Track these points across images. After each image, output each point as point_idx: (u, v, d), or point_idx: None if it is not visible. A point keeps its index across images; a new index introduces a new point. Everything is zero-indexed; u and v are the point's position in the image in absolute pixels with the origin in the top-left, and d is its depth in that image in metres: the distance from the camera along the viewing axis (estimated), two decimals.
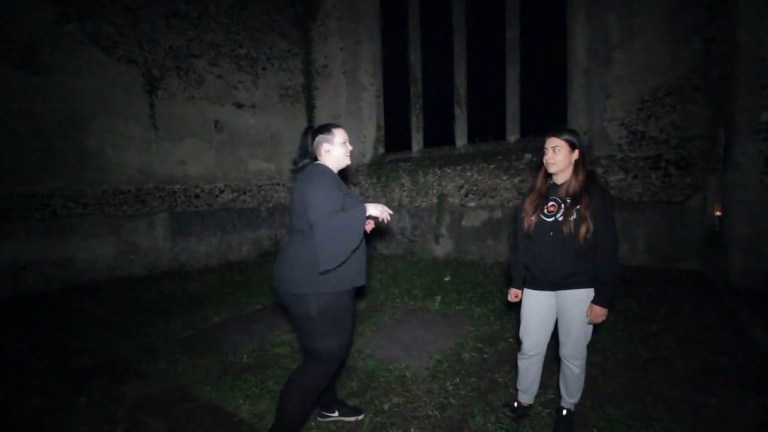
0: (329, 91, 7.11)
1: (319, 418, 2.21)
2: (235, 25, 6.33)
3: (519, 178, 5.47)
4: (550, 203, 1.95)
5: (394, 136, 7.07)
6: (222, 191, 6.23)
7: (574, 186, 1.89)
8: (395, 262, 5.83)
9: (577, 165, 1.90)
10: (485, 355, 2.97)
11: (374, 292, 4.50)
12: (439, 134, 6.58)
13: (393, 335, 3.39)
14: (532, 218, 1.98)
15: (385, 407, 2.33)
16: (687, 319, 3.34)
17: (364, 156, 7.00)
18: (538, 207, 1.98)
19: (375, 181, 6.69)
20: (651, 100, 4.53)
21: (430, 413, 2.28)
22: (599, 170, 4.90)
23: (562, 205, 1.90)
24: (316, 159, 1.96)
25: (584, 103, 5.06)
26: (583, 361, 1.99)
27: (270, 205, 6.85)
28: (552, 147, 1.92)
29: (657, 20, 4.37)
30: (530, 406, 2.23)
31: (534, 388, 2.19)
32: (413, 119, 6.64)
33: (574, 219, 1.85)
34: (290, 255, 1.84)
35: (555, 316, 2.04)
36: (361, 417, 2.23)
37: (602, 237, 1.84)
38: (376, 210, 1.83)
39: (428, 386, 2.57)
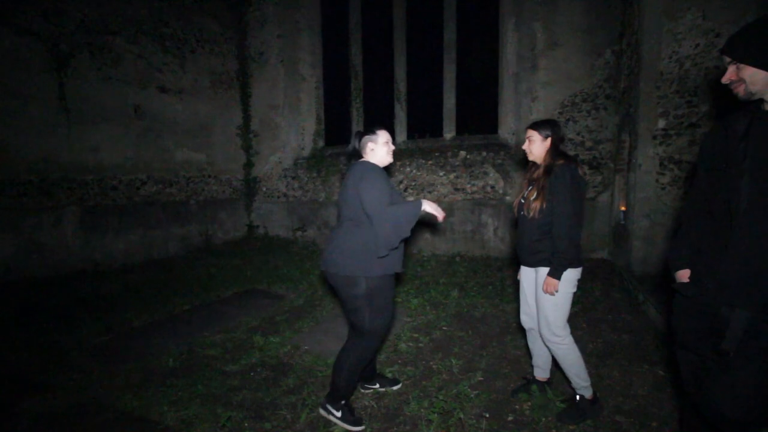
0: (266, 79, 6.82)
1: (362, 390, 2.45)
2: (160, 1, 5.80)
3: (454, 174, 5.70)
4: (529, 187, 2.12)
5: (335, 130, 6.99)
6: (144, 183, 5.71)
7: (539, 169, 2.07)
8: None
9: (548, 152, 2.05)
10: (420, 345, 3.07)
11: (312, 287, 4.44)
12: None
13: (332, 330, 3.38)
14: (515, 201, 2.20)
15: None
16: (596, 302, 3.74)
17: (303, 149, 6.84)
18: (521, 192, 2.19)
19: (315, 174, 6.57)
20: (570, 105, 4.96)
21: (367, 403, 2.31)
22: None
23: (532, 188, 2.08)
24: (361, 157, 2.18)
25: (513, 104, 5.40)
26: (562, 341, 2.03)
27: (200, 198, 6.42)
28: (527, 137, 2.12)
29: (576, 32, 4.79)
30: (548, 381, 2.35)
31: (542, 361, 2.32)
32: (354, 113, 6.61)
33: (532, 198, 2.02)
34: (341, 241, 2.04)
35: None
36: (398, 387, 2.48)
37: (555, 214, 1.95)
38: (431, 207, 2.02)
39: None
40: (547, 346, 2.13)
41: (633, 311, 3.47)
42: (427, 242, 5.87)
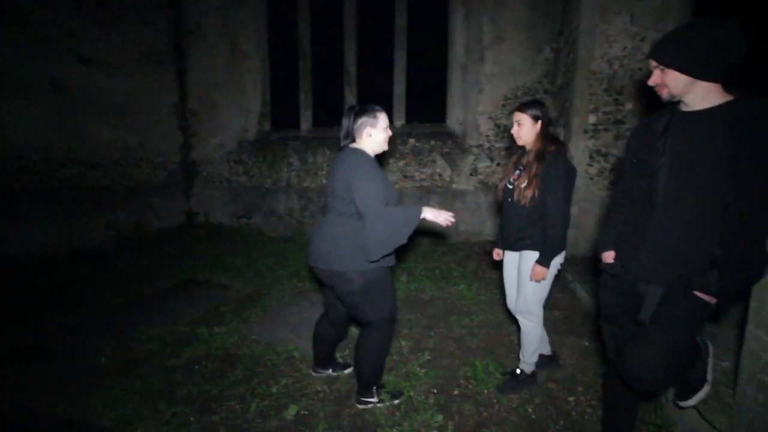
0: (205, 55, 6.36)
1: (314, 374, 2.44)
2: None
3: (404, 161, 5.78)
4: (516, 172, 2.09)
5: (282, 113, 6.73)
6: (63, 165, 5.10)
7: (529, 155, 2.02)
8: (283, 245, 5.65)
9: (538, 136, 2.01)
10: None
11: (260, 276, 4.30)
12: (329, 114, 6.50)
13: (281, 318, 3.32)
14: (500, 185, 2.19)
15: (273, 390, 2.29)
16: None
17: (247, 131, 6.51)
18: (507, 176, 2.16)
19: (261, 159, 6.31)
20: (512, 98, 5.21)
21: (319, 389, 2.32)
22: (471, 158, 5.49)
23: (523, 173, 2.03)
24: (354, 140, 1.96)
25: (461, 95, 5.56)
26: (533, 319, 2.12)
27: (131, 183, 5.90)
28: (516, 121, 2.03)
29: (520, 28, 5.01)
30: (554, 354, 2.50)
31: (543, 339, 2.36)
32: (302, 96, 6.40)
33: (524, 186, 1.98)
34: (330, 234, 1.90)
35: None
36: (349, 370, 2.46)
37: (547, 204, 1.95)
38: (432, 214, 1.88)
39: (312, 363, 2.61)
40: (517, 319, 2.20)
41: (563, 290, 3.80)
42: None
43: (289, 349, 2.78)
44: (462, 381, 2.36)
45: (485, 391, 2.24)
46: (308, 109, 6.44)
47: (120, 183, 5.75)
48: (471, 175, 5.52)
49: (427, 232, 5.73)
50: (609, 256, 1.54)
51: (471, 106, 5.42)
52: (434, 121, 6.01)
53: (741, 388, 1.33)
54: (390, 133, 1.99)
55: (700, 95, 1.32)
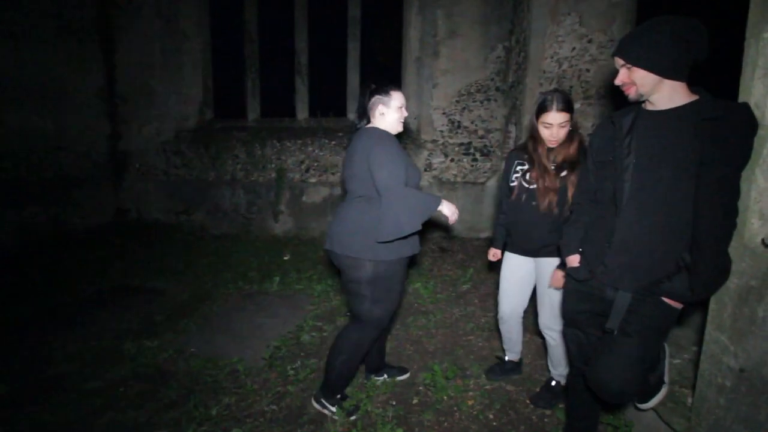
0: (138, 34, 5.71)
1: (366, 382, 2.28)
2: None
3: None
4: (542, 171, 1.85)
5: (227, 102, 6.25)
6: None
7: (570, 153, 1.79)
8: (228, 243, 5.26)
9: (572, 130, 1.79)
10: (324, 333, 2.94)
11: (201, 279, 3.93)
12: (278, 104, 6.14)
13: (224, 326, 3.03)
14: (515, 184, 1.94)
15: (213, 412, 2.04)
16: (485, 279, 4.06)
17: (187, 120, 5.96)
18: (524, 173, 1.91)
19: (202, 150, 5.81)
20: (466, 94, 5.21)
21: (266, 408, 2.11)
22: (425, 153, 5.43)
23: (545, 173, 1.81)
24: (369, 121, 1.88)
25: (416, 89, 5.46)
26: (557, 331, 1.93)
27: (48, 175, 5.17)
28: (559, 125, 1.74)
29: (473, 25, 5.00)
30: (521, 361, 2.38)
31: (518, 347, 2.31)
32: (249, 84, 5.97)
33: (562, 187, 1.79)
34: (349, 219, 1.81)
35: (533, 282, 2.06)
36: (406, 375, 2.34)
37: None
38: (448, 208, 1.80)
39: (265, 377, 2.39)
40: (544, 335, 2.03)
41: None
42: (326, 226, 5.70)
43: (232, 361, 2.53)
44: (421, 388, 2.25)
45: (445, 398, 2.15)
46: (256, 98, 6.03)
47: (34, 175, 5.01)
48: (426, 170, 5.46)
49: None
50: (574, 260, 1.49)
51: (425, 101, 5.35)
52: None
53: (701, 391, 1.33)
54: (406, 113, 1.91)
55: (667, 94, 1.28)
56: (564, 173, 1.82)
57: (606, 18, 3.53)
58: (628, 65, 1.29)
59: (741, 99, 1.23)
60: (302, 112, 6.04)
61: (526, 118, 4.02)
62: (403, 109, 1.88)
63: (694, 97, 1.27)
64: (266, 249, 5.08)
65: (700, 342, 1.37)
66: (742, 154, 1.17)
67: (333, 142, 5.63)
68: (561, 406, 2.02)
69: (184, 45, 5.82)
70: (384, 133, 1.81)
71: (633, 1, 3.44)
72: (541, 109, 1.78)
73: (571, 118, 1.78)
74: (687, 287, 1.20)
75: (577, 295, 1.45)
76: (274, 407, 2.12)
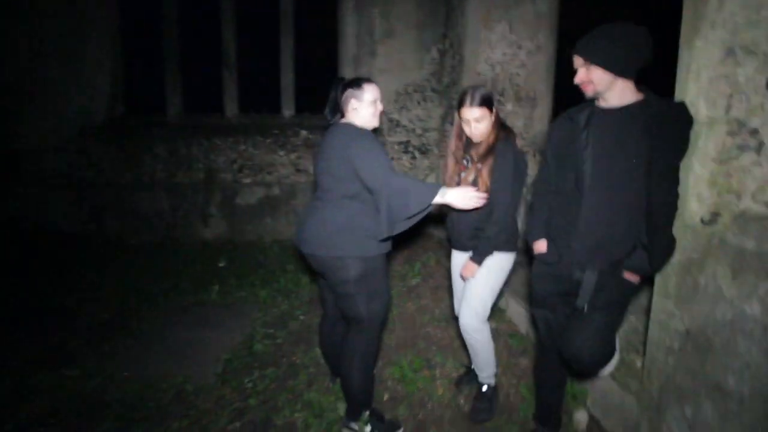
0: (27, 13, 4.84)
1: (332, 384, 2.20)
2: None
3: (296, 154, 5.40)
4: (463, 162, 1.88)
5: (143, 96, 5.60)
6: None
7: (483, 147, 1.79)
8: (151, 253, 4.73)
9: (493, 126, 1.80)
10: (278, 340, 2.79)
11: (121, 295, 3.45)
12: (203, 100, 5.66)
13: (160, 344, 2.70)
14: (447, 179, 1.92)
15: None
16: (433, 271, 4.19)
17: (93, 115, 5.20)
18: (451, 170, 1.94)
19: (114, 149, 5.13)
20: (404, 93, 5.33)
21: (227, 427, 1.93)
22: None
23: (470, 166, 1.83)
24: (343, 116, 1.81)
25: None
26: (483, 330, 1.87)
27: None
28: (475, 119, 1.74)
29: (410, 26, 5.12)
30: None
31: None
32: (169, 77, 5.41)
33: (471, 180, 1.79)
34: (328, 218, 1.72)
35: None
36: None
37: (496, 201, 1.75)
38: (458, 200, 1.65)
39: (219, 394, 2.18)
40: (465, 334, 1.92)
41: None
42: (267, 228, 5.42)
43: (176, 382, 2.27)
44: (390, 383, 2.24)
45: (415, 390, 2.16)
46: (177, 92, 5.49)
47: None
48: None
49: None
50: (542, 245, 1.59)
51: None
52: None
53: (651, 354, 1.51)
54: (381, 107, 1.84)
55: (618, 93, 1.43)
56: (479, 166, 1.80)
57: (533, 27, 3.86)
58: (587, 65, 1.42)
59: (677, 98, 1.43)
60: (232, 108, 5.65)
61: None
62: (378, 102, 1.83)
63: (640, 96, 1.43)
64: (197, 256, 4.67)
65: (647, 311, 1.56)
66: (682, 146, 1.36)
67: (268, 140, 5.36)
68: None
69: (88, 28, 5.08)
70: (361, 130, 1.75)
71: (555, 14, 3.82)
72: (459, 103, 1.83)
73: (492, 114, 1.78)
74: (645, 262, 1.35)
75: (547, 278, 1.56)
76: (237, 424, 1.94)
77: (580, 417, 1.84)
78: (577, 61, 1.46)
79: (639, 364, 1.69)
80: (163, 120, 5.45)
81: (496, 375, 2.02)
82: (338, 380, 2.17)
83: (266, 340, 2.78)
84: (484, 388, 2.00)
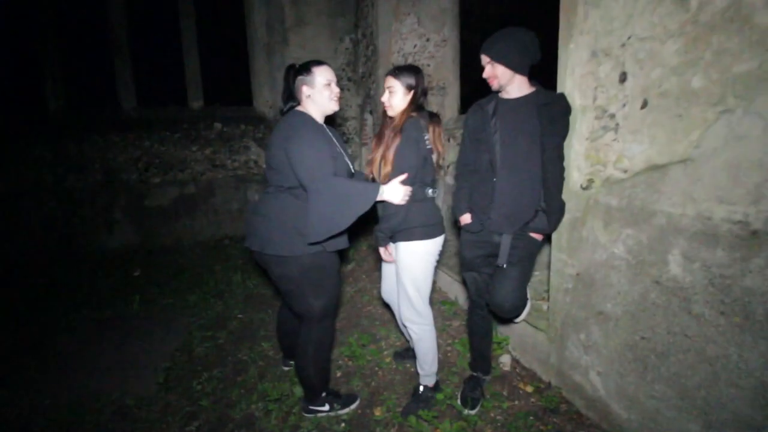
0: None
1: (284, 368, 2.27)
2: None
3: (211, 149, 5.12)
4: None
5: (13, 88, 4.76)
6: None
7: (390, 128, 1.74)
8: (50, 266, 4.17)
9: (407, 107, 1.74)
10: (220, 341, 2.75)
11: (19, 318, 3.03)
12: (93, 90, 5.02)
13: (83, 364, 2.48)
14: (371, 162, 1.80)
15: None
16: (366, 255, 4.38)
17: None
18: (375, 153, 1.79)
19: None
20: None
21: (182, 430, 1.90)
22: None
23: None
24: (297, 102, 1.73)
25: (268, 77, 5.29)
26: (423, 322, 1.81)
27: None
28: (387, 88, 1.74)
29: (321, 15, 5.12)
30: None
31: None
32: (47, 66, 4.67)
33: (379, 161, 1.72)
34: (269, 213, 1.68)
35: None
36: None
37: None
38: (396, 195, 1.63)
39: (165, 402, 2.12)
40: (405, 327, 1.89)
41: None
42: (185, 229, 5.08)
43: (113, 398, 2.14)
44: (341, 362, 2.38)
45: (364, 363, 2.34)
46: (57, 83, 4.79)
47: None
48: None
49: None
50: (467, 218, 1.86)
51: (280, 89, 5.23)
52: (239, 103, 5.53)
53: (552, 295, 1.89)
54: (337, 90, 1.75)
55: (517, 86, 1.73)
56: (383, 148, 1.74)
57: (439, 21, 4.17)
58: (492, 63, 1.68)
59: (558, 89, 1.77)
60: (129, 100, 5.11)
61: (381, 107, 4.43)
62: (333, 85, 1.72)
63: (533, 89, 1.75)
64: (104, 268, 4.23)
65: (548, 266, 1.93)
66: (565, 128, 1.70)
67: (177, 135, 4.99)
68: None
69: None
70: (305, 118, 1.65)
71: (457, 9, 4.16)
72: None
73: (409, 91, 1.75)
74: (546, 223, 1.69)
75: (473, 244, 1.83)
76: (191, 427, 1.93)
77: (504, 359, 2.20)
78: (484, 59, 1.72)
79: (545, 307, 2.08)
80: (44, 117, 4.72)
81: (437, 376, 1.96)
82: (291, 363, 2.24)
83: (206, 342, 2.72)
84: (421, 389, 1.93)
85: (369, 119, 5.13)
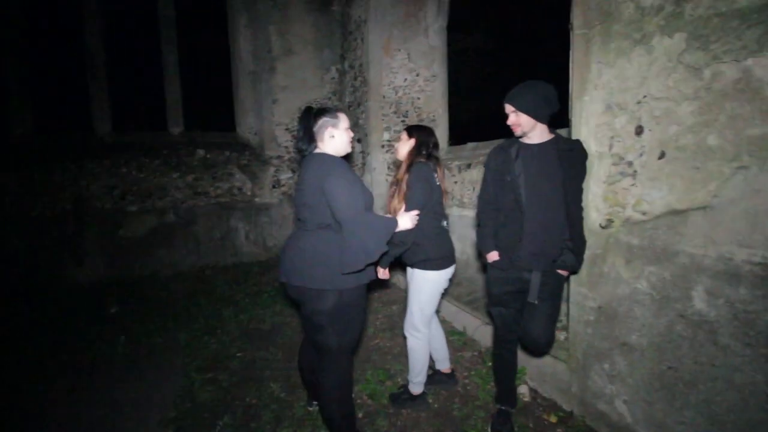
0: None
1: (309, 408, 2.25)
2: None
3: (193, 176, 4.95)
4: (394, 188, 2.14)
5: None
6: None
7: (400, 171, 2.11)
8: (10, 302, 3.79)
9: (410, 151, 2.12)
10: (223, 384, 2.60)
11: None
12: (65, 116, 4.74)
13: (72, 419, 2.25)
14: (388, 200, 2.17)
15: None
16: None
17: None
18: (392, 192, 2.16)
19: None
20: None
21: None
22: (272, 169, 5.31)
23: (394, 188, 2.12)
24: (314, 141, 1.83)
25: (253, 104, 5.25)
26: (420, 336, 2.11)
27: None
28: (399, 138, 2.17)
29: (308, 45, 5.20)
30: (453, 373, 2.45)
31: (440, 355, 2.38)
32: (14, 88, 4.37)
33: (394, 200, 2.06)
34: (307, 249, 1.75)
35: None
36: None
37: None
38: (410, 221, 1.88)
39: None
40: (408, 336, 2.18)
41: (395, 288, 4.30)
42: (163, 260, 4.82)
43: None
44: (359, 401, 2.34)
45: (385, 402, 2.31)
46: (26, 109, 4.48)
47: None
48: (274, 187, 5.34)
49: (233, 253, 5.15)
50: (494, 255, 1.94)
51: (266, 117, 5.22)
52: (222, 129, 5.42)
53: (573, 327, 1.99)
54: (352, 134, 1.91)
55: (538, 132, 1.86)
56: (396, 189, 2.11)
57: (428, 58, 4.37)
58: (516, 112, 1.81)
59: (573, 136, 1.93)
60: (104, 125, 4.87)
61: (373, 136, 4.52)
62: (350, 130, 1.90)
63: (552, 135, 1.89)
64: (75, 305, 3.91)
65: (566, 298, 2.05)
66: (584, 172, 1.85)
67: (157, 161, 4.80)
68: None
69: None
70: (336, 160, 1.79)
71: (445, 48, 4.39)
72: None
73: (409, 138, 2.15)
74: (573, 260, 1.80)
75: (502, 281, 1.91)
76: None
77: (523, 390, 2.26)
78: (509, 108, 1.85)
79: (563, 337, 2.19)
80: (9, 143, 4.37)
81: (423, 385, 2.24)
82: (316, 404, 2.20)
83: (208, 386, 2.57)
84: (403, 390, 2.29)
85: (357, 147, 5.19)
